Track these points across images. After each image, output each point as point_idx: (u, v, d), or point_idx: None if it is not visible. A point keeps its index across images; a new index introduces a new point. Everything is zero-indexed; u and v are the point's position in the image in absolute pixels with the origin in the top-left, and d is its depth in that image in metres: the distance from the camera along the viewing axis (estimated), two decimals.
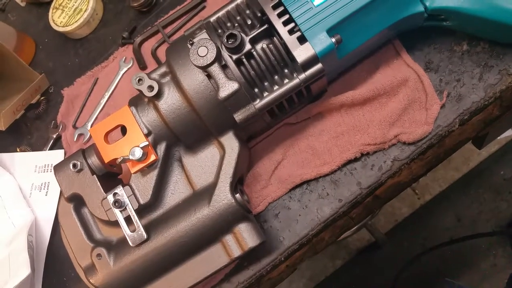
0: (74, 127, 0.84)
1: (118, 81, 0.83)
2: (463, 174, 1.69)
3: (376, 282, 1.70)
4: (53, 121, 0.86)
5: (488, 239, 1.62)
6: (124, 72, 0.83)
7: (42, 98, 0.89)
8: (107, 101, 0.83)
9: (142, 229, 0.59)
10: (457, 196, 1.72)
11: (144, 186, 0.61)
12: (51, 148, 0.85)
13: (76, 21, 0.87)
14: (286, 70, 0.58)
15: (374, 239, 1.68)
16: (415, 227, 1.72)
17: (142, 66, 0.82)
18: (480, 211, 1.69)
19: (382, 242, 1.67)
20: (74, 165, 0.63)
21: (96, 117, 0.82)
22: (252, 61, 0.57)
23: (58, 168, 0.64)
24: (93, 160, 0.63)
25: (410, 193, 1.73)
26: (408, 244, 1.72)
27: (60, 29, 0.89)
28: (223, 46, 0.57)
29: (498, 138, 1.61)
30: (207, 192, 0.60)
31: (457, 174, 1.70)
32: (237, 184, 0.62)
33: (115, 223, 0.61)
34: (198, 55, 0.54)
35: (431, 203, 1.71)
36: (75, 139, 0.82)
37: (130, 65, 0.83)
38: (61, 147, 0.84)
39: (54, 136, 0.85)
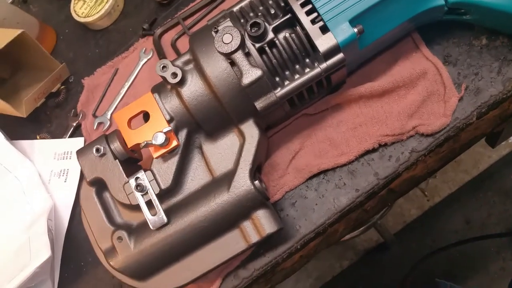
0: (94, 116, 0.85)
1: (138, 72, 0.85)
2: (473, 176, 1.69)
3: (383, 283, 1.70)
4: (73, 110, 0.88)
5: (497, 242, 1.61)
6: (144, 63, 0.85)
7: (62, 87, 0.91)
8: (127, 91, 0.84)
9: (162, 213, 0.60)
10: (466, 199, 1.71)
11: (165, 171, 0.62)
12: (70, 136, 0.86)
13: (97, 12, 0.89)
14: (307, 60, 0.59)
15: (383, 239, 1.68)
16: (423, 228, 1.72)
17: (162, 57, 0.83)
18: (489, 214, 1.68)
19: (390, 242, 1.67)
20: (97, 150, 0.64)
21: (116, 107, 0.84)
22: (274, 50, 0.59)
23: (81, 153, 0.65)
24: (116, 145, 0.64)
25: (419, 195, 1.73)
26: (416, 246, 1.72)
27: (82, 20, 0.91)
28: (246, 35, 0.58)
29: (510, 141, 1.61)
30: (227, 179, 0.61)
31: (467, 176, 1.70)
32: (256, 172, 0.63)
33: (136, 207, 0.62)
34: (223, 42, 0.56)
35: (440, 205, 1.70)
36: (95, 128, 0.84)
37: (150, 56, 0.85)
38: (80, 135, 0.86)
39: (74, 124, 0.86)
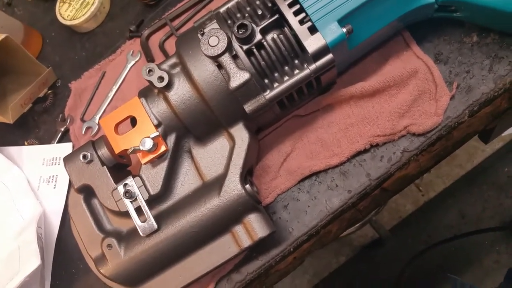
0: (82, 120, 0.84)
1: (126, 74, 0.84)
2: (467, 171, 1.69)
3: (379, 278, 1.71)
4: (60, 115, 0.86)
5: (492, 235, 1.62)
6: (132, 65, 0.84)
7: (49, 91, 0.90)
8: (114, 94, 0.83)
9: (152, 220, 0.59)
10: (461, 193, 1.72)
11: (154, 177, 0.61)
12: (58, 141, 0.85)
13: (83, 15, 0.88)
14: (296, 61, 0.58)
15: (378, 235, 1.68)
16: (419, 223, 1.72)
17: (150, 59, 0.82)
18: (484, 208, 1.69)
19: (386, 238, 1.67)
20: (84, 156, 0.63)
21: (104, 110, 0.83)
22: (263, 52, 0.58)
23: (68, 159, 0.64)
24: (103, 151, 0.63)
25: (414, 190, 1.73)
26: (411, 241, 1.72)
27: (67, 23, 0.89)
28: (233, 37, 0.57)
29: (503, 135, 1.61)
30: (217, 183, 0.60)
31: (462, 171, 1.70)
32: (247, 175, 0.62)
33: (125, 214, 0.61)
34: (209, 45, 0.55)
35: (435, 200, 1.70)
36: (83, 132, 0.83)
37: (137, 58, 0.84)
38: (69, 140, 0.84)
39: (62, 130, 0.85)
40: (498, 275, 1.58)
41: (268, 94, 0.58)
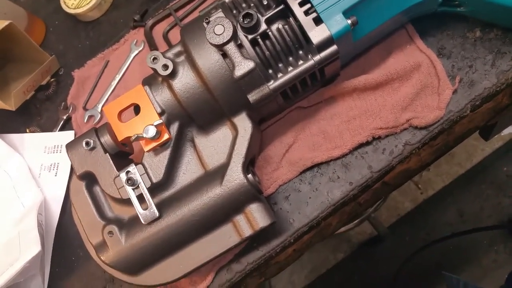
0: (85, 108, 0.84)
1: (129, 64, 0.84)
2: (467, 169, 1.69)
3: (377, 276, 1.71)
4: (63, 103, 0.86)
5: (490, 234, 1.62)
6: (135, 55, 0.84)
7: (52, 79, 0.89)
8: (117, 83, 0.83)
9: (154, 207, 0.59)
10: (460, 192, 1.72)
11: (157, 165, 0.61)
12: (60, 129, 0.85)
13: (87, 3, 0.88)
14: (301, 52, 0.58)
15: (377, 232, 1.69)
16: (417, 221, 1.73)
17: (153, 49, 0.82)
18: (482, 207, 1.69)
19: (384, 235, 1.68)
20: (87, 143, 0.63)
21: (107, 99, 0.83)
22: (267, 42, 0.58)
23: (70, 146, 0.64)
24: (106, 138, 0.63)
25: (413, 188, 1.73)
26: (410, 239, 1.73)
27: (71, 11, 0.89)
28: (238, 26, 0.57)
29: (502, 134, 1.62)
30: (219, 172, 0.60)
31: (461, 169, 1.70)
32: (249, 165, 0.62)
33: (127, 201, 0.61)
34: (215, 33, 0.55)
35: (433, 198, 1.71)
36: (85, 121, 0.83)
37: (141, 48, 0.84)
38: (71, 129, 0.84)
39: (64, 118, 0.85)
40: (496, 275, 1.59)
41: (272, 84, 0.58)
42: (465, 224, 1.68)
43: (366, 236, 1.75)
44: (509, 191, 1.68)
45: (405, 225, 1.72)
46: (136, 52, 0.84)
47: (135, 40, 0.84)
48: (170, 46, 0.80)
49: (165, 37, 0.81)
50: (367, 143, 0.64)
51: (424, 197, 1.72)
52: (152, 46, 0.82)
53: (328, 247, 1.77)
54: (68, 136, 0.83)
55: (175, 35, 0.81)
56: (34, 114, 0.89)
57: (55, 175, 0.82)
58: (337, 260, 1.76)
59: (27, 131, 0.87)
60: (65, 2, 0.90)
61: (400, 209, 1.73)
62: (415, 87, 0.62)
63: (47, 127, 0.87)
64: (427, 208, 1.72)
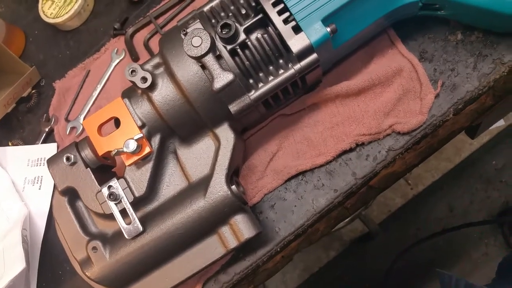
0: (67, 120, 0.83)
1: (110, 73, 0.82)
2: (455, 164, 1.70)
3: (369, 272, 1.72)
4: (45, 114, 0.85)
5: (480, 228, 1.63)
6: (116, 64, 0.83)
7: (33, 91, 0.88)
8: (99, 93, 0.82)
9: (137, 222, 0.59)
10: (449, 186, 1.73)
11: (139, 179, 0.61)
12: (43, 142, 0.84)
13: (66, 12, 0.86)
14: (281, 61, 0.58)
15: (368, 229, 1.69)
16: (408, 217, 1.73)
17: (135, 57, 0.81)
18: (472, 200, 1.70)
19: (375, 232, 1.68)
20: (68, 158, 0.62)
21: (89, 110, 0.82)
22: (247, 52, 0.57)
23: (51, 162, 0.63)
24: (87, 153, 0.62)
25: (403, 184, 1.74)
26: (401, 235, 1.73)
27: (51, 21, 0.87)
28: (217, 36, 0.56)
29: (490, 128, 1.62)
30: (203, 184, 0.60)
31: (450, 164, 1.71)
32: (233, 175, 0.62)
33: (110, 216, 0.60)
34: (192, 45, 0.54)
35: (423, 194, 1.72)
36: (67, 132, 0.82)
37: (122, 57, 0.82)
38: (53, 141, 0.83)
39: (47, 130, 0.84)
40: (487, 268, 1.60)
41: (253, 94, 0.58)
42: (455, 219, 1.69)
43: (357, 234, 1.76)
44: (498, 184, 1.69)
45: (395, 221, 1.73)
46: (117, 61, 0.83)
47: (116, 49, 0.83)
48: (152, 54, 0.79)
49: (146, 45, 0.80)
50: (351, 149, 0.64)
51: (414, 192, 1.72)
52: (133, 54, 0.81)
53: (320, 245, 1.78)
54: (51, 148, 0.82)
55: (156, 43, 0.80)
56: (16, 127, 0.88)
57: (39, 189, 0.80)
58: (329, 258, 1.76)
59: (10, 144, 0.86)
60: (44, 12, 0.88)
61: (391, 205, 1.74)
62: (397, 92, 0.62)
63: (30, 140, 0.86)
64: (417, 204, 1.73)
